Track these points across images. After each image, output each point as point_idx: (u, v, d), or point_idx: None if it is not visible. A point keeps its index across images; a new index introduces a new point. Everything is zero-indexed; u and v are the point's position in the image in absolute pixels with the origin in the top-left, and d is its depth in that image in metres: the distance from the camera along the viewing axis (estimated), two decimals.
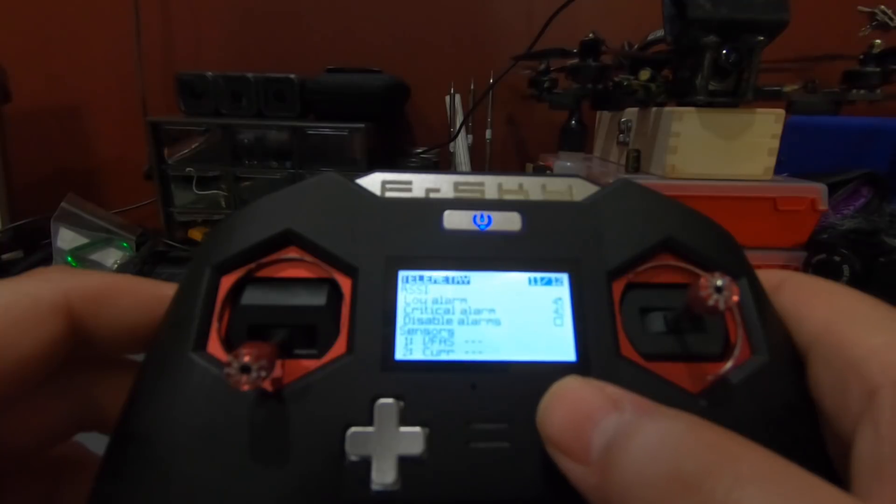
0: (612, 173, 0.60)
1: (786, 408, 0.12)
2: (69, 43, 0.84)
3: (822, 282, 0.13)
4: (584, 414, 0.10)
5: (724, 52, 0.47)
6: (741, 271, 0.14)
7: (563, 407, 0.11)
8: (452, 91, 0.83)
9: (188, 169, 0.71)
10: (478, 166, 0.86)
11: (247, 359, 0.10)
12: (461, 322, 0.13)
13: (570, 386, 0.11)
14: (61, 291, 0.13)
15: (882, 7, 0.58)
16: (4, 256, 0.63)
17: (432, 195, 0.14)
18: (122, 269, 0.62)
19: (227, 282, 0.13)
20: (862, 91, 0.56)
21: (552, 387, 0.11)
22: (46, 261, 0.62)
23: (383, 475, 0.11)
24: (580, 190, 0.15)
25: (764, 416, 0.12)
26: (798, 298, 0.13)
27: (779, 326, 0.13)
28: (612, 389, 0.11)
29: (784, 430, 0.12)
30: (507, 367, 0.12)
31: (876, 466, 0.09)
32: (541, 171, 0.74)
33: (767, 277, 0.14)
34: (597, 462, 0.10)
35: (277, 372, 0.12)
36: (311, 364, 0.12)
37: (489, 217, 0.14)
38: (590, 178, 0.15)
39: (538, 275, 0.13)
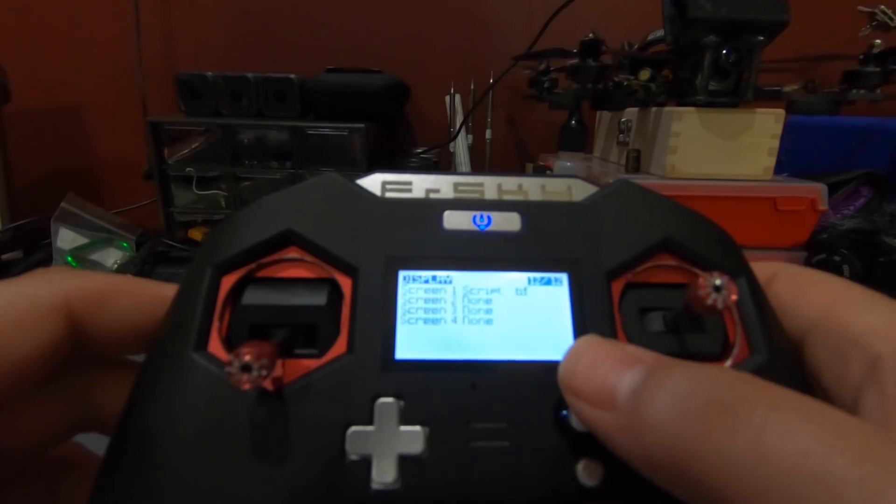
0: (612, 173, 0.60)
1: None
2: (69, 43, 0.84)
3: (815, 271, 0.14)
4: (607, 366, 0.11)
5: (724, 52, 0.47)
6: (739, 271, 0.14)
7: (585, 360, 0.11)
8: (452, 91, 0.83)
9: (188, 169, 0.71)
10: (478, 166, 0.86)
11: (248, 358, 0.10)
12: (461, 321, 0.13)
13: (591, 341, 0.11)
14: (61, 292, 0.13)
15: (882, 7, 0.58)
16: (4, 256, 0.63)
17: (432, 195, 0.14)
18: (122, 269, 0.62)
19: (227, 282, 0.13)
20: (862, 91, 0.56)
21: (575, 342, 0.12)
22: (46, 261, 0.62)
23: (383, 474, 0.11)
24: (579, 190, 0.15)
25: None
26: (793, 287, 0.14)
27: (777, 325, 0.13)
28: (631, 347, 0.11)
29: None
30: (507, 367, 0.12)
31: (882, 423, 0.10)
32: (541, 171, 0.74)
33: (761, 269, 0.14)
34: (625, 405, 0.10)
35: (278, 371, 0.12)
36: (311, 363, 0.12)
37: (489, 217, 0.14)
38: (589, 179, 0.15)
39: (538, 275, 0.13)
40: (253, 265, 0.13)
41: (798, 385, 0.12)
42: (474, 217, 0.14)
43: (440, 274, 0.13)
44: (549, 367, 0.12)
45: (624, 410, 0.10)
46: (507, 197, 0.15)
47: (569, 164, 0.66)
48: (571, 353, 0.11)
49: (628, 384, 0.10)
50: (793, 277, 0.14)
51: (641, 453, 0.09)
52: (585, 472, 0.12)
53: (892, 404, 0.10)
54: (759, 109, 0.49)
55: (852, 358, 0.11)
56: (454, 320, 0.13)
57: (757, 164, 0.50)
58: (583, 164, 0.67)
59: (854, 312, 0.12)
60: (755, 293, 0.13)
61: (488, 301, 0.13)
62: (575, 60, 0.60)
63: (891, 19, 0.58)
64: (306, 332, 0.13)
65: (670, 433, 0.09)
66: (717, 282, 0.11)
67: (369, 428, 0.12)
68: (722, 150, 0.50)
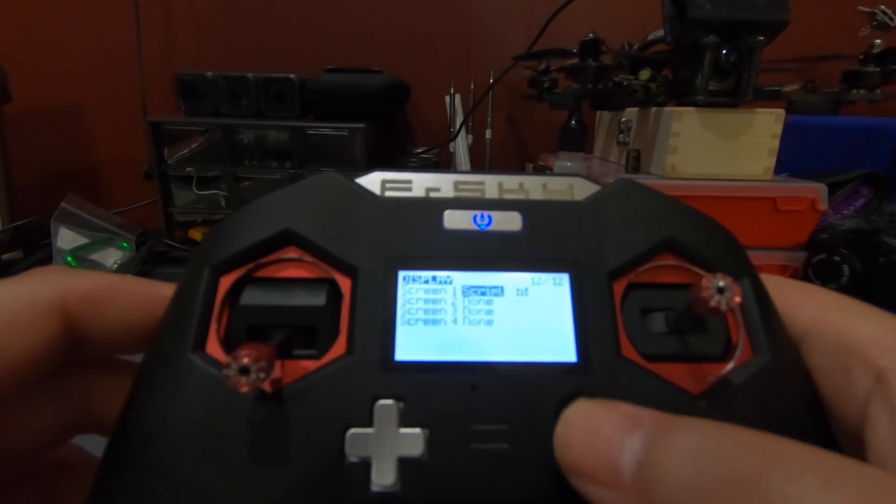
0: (612, 173, 0.60)
1: (789, 407, 0.12)
2: (69, 43, 0.83)
3: (802, 282, 0.14)
4: (604, 436, 0.10)
5: (724, 52, 0.47)
6: (743, 272, 0.14)
7: (580, 433, 0.10)
8: (452, 91, 0.83)
9: (188, 169, 0.71)
10: (478, 166, 0.86)
11: (246, 360, 0.10)
12: (461, 322, 0.13)
13: (582, 410, 0.11)
14: (58, 292, 0.12)
15: (882, 7, 0.58)
16: (4, 256, 0.63)
17: (432, 194, 0.14)
18: (122, 269, 0.62)
19: (226, 282, 0.13)
20: (862, 91, 0.56)
21: (563, 415, 0.11)
22: (46, 261, 0.62)
23: (383, 476, 0.11)
24: (581, 189, 0.15)
25: (766, 417, 0.12)
26: (783, 297, 0.13)
27: (781, 327, 0.13)
28: (625, 407, 0.10)
29: (789, 429, 0.12)
30: (508, 368, 0.12)
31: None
32: (541, 171, 0.74)
33: None
34: (632, 483, 0.09)
35: (277, 373, 0.12)
36: (310, 365, 0.12)
37: (489, 217, 0.14)
38: (591, 178, 0.15)
39: (539, 275, 0.13)
40: (251, 265, 0.13)
41: (802, 388, 0.12)
42: (475, 216, 0.14)
43: (440, 274, 0.13)
44: (550, 369, 0.12)
45: (632, 488, 0.09)
46: (508, 196, 0.14)
47: (569, 164, 0.66)
48: (564, 424, 0.11)
49: (631, 457, 0.09)
50: (781, 287, 0.14)
51: None
52: None
53: None
54: (759, 109, 0.49)
55: (854, 368, 0.11)
56: (454, 321, 0.13)
57: (757, 164, 0.50)
58: (583, 164, 0.67)
59: (849, 321, 0.12)
60: (758, 294, 0.13)
61: (489, 302, 0.13)
62: (575, 60, 0.60)
63: (891, 19, 0.58)
64: (305, 332, 0.13)
65: None
66: (721, 283, 0.11)
67: (369, 430, 0.11)
68: (722, 150, 0.50)
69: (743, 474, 0.08)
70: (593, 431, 0.10)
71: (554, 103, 0.66)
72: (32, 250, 0.65)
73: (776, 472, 0.08)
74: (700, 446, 0.09)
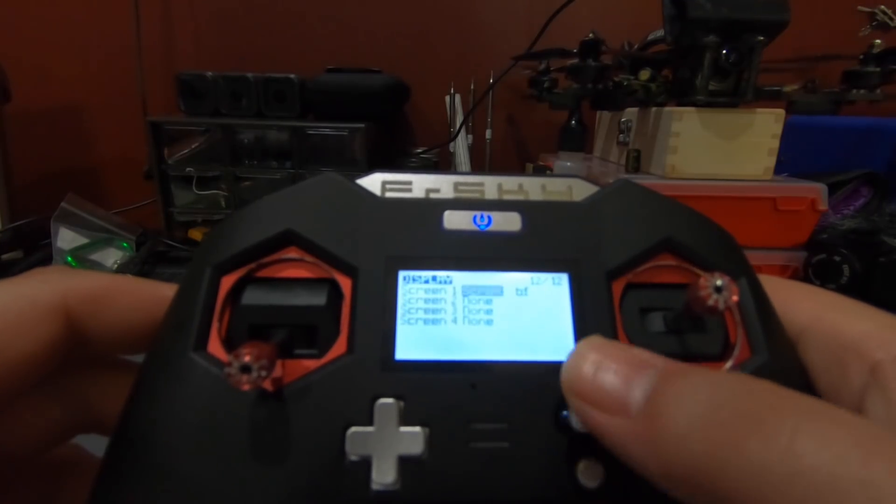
0: (612, 173, 0.60)
1: None
2: (69, 43, 0.84)
3: (798, 282, 0.14)
4: (615, 370, 0.10)
5: (724, 52, 0.47)
6: (741, 271, 0.14)
7: (591, 360, 0.11)
8: (452, 91, 0.83)
9: (188, 169, 0.71)
10: (478, 166, 0.86)
11: (247, 359, 0.10)
12: (461, 322, 0.13)
13: (597, 342, 0.11)
14: (59, 292, 0.12)
15: (882, 7, 0.58)
16: (4, 256, 0.63)
17: (432, 195, 0.14)
18: (122, 269, 0.62)
19: (227, 282, 0.13)
20: (862, 91, 0.56)
21: (578, 344, 0.11)
22: (46, 261, 0.62)
23: (383, 475, 0.11)
24: (580, 190, 0.15)
25: None
26: (779, 297, 0.14)
27: (778, 326, 0.13)
28: (638, 350, 0.11)
29: None
30: (507, 367, 0.12)
31: (891, 429, 0.10)
32: (541, 171, 0.74)
33: None
34: (640, 412, 0.09)
35: (278, 372, 0.12)
36: (311, 364, 0.12)
37: (489, 217, 0.14)
38: (590, 179, 0.15)
39: (538, 275, 0.13)
40: (252, 265, 0.13)
41: (801, 386, 0.12)
42: (475, 217, 0.14)
43: (440, 274, 0.13)
44: (550, 368, 0.12)
45: (639, 418, 0.09)
46: (507, 197, 0.15)
47: (569, 164, 0.66)
48: (575, 355, 0.11)
49: (641, 389, 0.10)
50: (777, 287, 0.14)
51: (661, 464, 0.09)
52: (586, 473, 0.12)
53: None
54: (759, 109, 0.49)
55: (850, 363, 0.11)
56: (454, 321, 0.13)
57: (757, 164, 0.50)
58: (583, 164, 0.67)
59: (846, 319, 0.12)
60: (756, 294, 0.13)
61: (488, 301, 0.13)
62: (575, 60, 0.60)
63: (891, 19, 0.58)
64: (306, 332, 0.13)
65: (695, 445, 0.08)
66: (718, 282, 0.11)
67: (369, 428, 0.12)
68: (722, 150, 0.50)
69: (754, 410, 0.08)
70: (604, 362, 0.10)
71: (554, 103, 0.66)
72: (32, 250, 0.65)
73: (787, 411, 0.08)
74: (714, 383, 0.09)
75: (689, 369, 0.10)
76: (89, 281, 0.13)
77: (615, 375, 0.10)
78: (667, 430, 0.09)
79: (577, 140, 0.69)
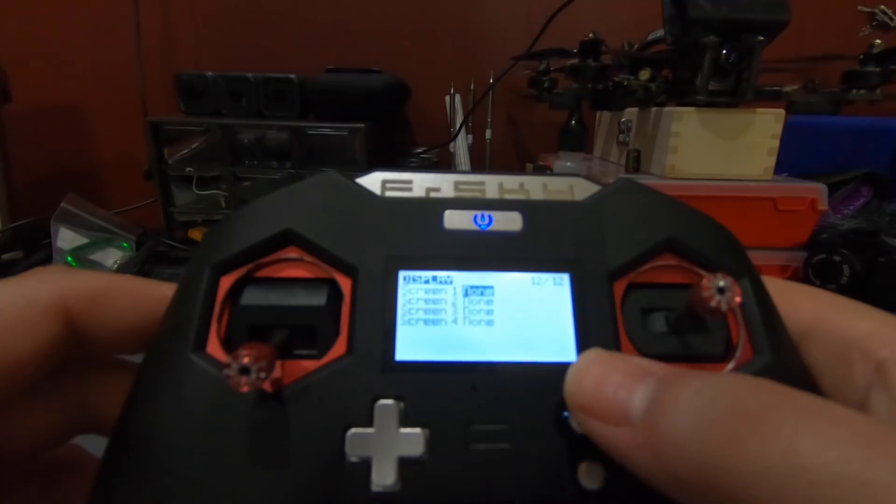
0: (612, 173, 0.60)
1: None
2: (69, 43, 0.83)
3: (800, 284, 0.14)
4: (615, 381, 0.10)
5: (724, 52, 0.47)
6: (743, 272, 0.14)
7: (592, 376, 0.11)
8: (452, 91, 0.83)
9: (188, 169, 0.71)
10: (478, 166, 0.86)
11: (246, 360, 0.10)
12: (462, 322, 0.13)
13: (595, 356, 0.11)
14: (58, 292, 0.12)
15: (882, 7, 0.58)
16: (4, 256, 0.63)
17: (433, 195, 0.14)
18: (122, 269, 0.62)
19: (226, 282, 0.13)
20: (862, 91, 0.56)
21: (579, 358, 0.11)
22: (46, 261, 0.62)
23: (383, 476, 0.11)
24: (581, 189, 0.15)
25: None
26: (782, 298, 0.14)
27: (781, 326, 0.13)
28: (637, 359, 0.11)
29: None
30: (508, 368, 0.12)
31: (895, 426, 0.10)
32: (541, 171, 0.74)
33: None
34: (641, 420, 0.09)
35: (277, 373, 0.12)
36: (310, 365, 0.12)
37: (490, 217, 0.14)
38: (591, 178, 0.15)
39: (539, 275, 0.13)
40: (252, 265, 0.13)
41: (805, 386, 0.12)
42: (475, 216, 0.14)
43: (440, 274, 0.13)
44: (551, 369, 0.12)
45: (640, 427, 0.09)
46: (508, 196, 0.14)
47: (569, 164, 0.66)
48: (576, 369, 0.11)
49: (641, 398, 0.10)
50: (780, 287, 0.14)
51: (664, 470, 0.09)
52: (587, 475, 0.11)
53: None
54: (759, 109, 0.49)
55: (854, 362, 0.11)
56: (454, 321, 0.13)
57: (757, 164, 0.50)
58: (583, 164, 0.67)
59: (849, 318, 0.12)
60: (759, 294, 0.13)
61: (489, 301, 0.13)
62: (575, 60, 0.60)
63: (891, 19, 0.58)
64: (306, 332, 0.13)
65: (695, 448, 0.08)
66: (721, 283, 0.11)
67: (369, 430, 0.11)
68: (722, 150, 0.50)
69: (753, 410, 0.08)
70: (605, 375, 0.10)
71: (554, 103, 0.66)
72: (32, 250, 0.65)
73: (787, 410, 0.08)
74: (713, 388, 0.09)
75: (687, 374, 0.10)
76: (88, 280, 0.13)
77: (616, 387, 0.10)
78: (668, 437, 0.09)
79: (577, 140, 0.68)
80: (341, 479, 0.11)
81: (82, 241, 0.63)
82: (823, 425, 0.08)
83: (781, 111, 0.49)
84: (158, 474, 0.11)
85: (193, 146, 0.72)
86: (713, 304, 0.11)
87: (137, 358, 0.13)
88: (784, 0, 0.45)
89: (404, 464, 0.11)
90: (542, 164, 0.76)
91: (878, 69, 0.56)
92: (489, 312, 0.13)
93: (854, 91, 0.56)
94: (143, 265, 0.64)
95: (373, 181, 0.14)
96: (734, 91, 0.49)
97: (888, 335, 0.11)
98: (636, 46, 0.65)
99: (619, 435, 0.10)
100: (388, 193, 0.14)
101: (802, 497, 0.07)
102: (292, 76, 0.70)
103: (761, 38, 0.46)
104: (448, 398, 0.12)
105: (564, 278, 0.13)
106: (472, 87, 0.84)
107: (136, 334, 0.14)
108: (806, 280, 0.52)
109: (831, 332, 0.12)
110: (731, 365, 0.12)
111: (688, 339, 0.13)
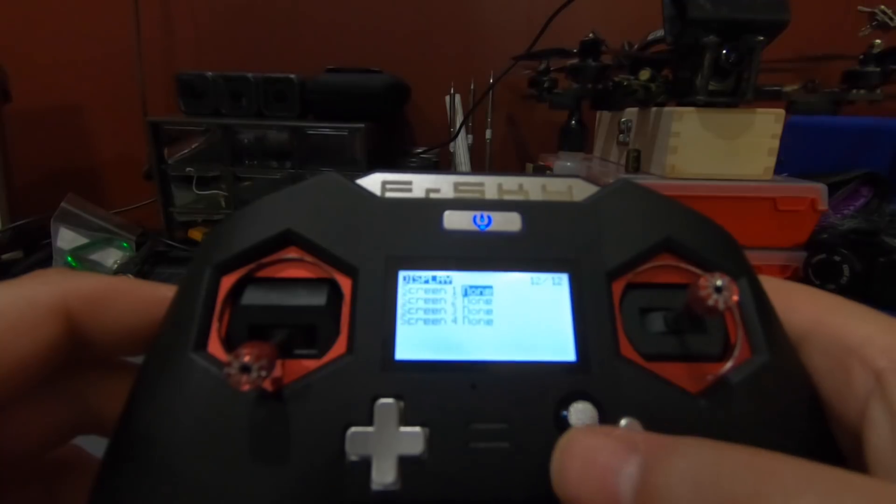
0: (612, 173, 0.60)
1: (788, 406, 0.12)
2: (69, 43, 0.84)
3: (799, 284, 0.14)
4: (600, 464, 0.10)
5: (724, 52, 0.47)
6: (741, 271, 0.14)
7: (576, 462, 0.10)
8: (452, 91, 0.83)
9: (188, 169, 0.71)
10: (478, 166, 0.86)
11: (247, 359, 0.10)
12: (461, 322, 0.13)
13: (576, 438, 0.11)
14: (59, 294, 0.12)
15: (882, 7, 0.58)
16: (4, 256, 0.63)
17: (432, 195, 0.14)
18: (122, 269, 0.62)
19: (227, 282, 0.13)
20: (862, 91, 0.56)
21: (558, 444, 0.11)
22: (46, 261, 0.62)
23: (383, 475, 0.11)
24: (580, 190, 0.15)
25: (765, 416, 0.12)
26: (780, 299, 0.13)
27: (779, 326, 0.13)
28: (618, 432, 0.11)
29: (788, 428, 0.12)
30: (507, 367, 0.12)
31: (894, 442, 0.10)
32: (541, 171, 0.74)
33: None
34: None
35: (277, 372, 0.12)
36: (311, 364, 0.12)
37: (489, 217, 0.14)
38: (590, 179, 0.15)
39: (538, 275, 0.13)
40: (252, 265, 0.13)
41: (801, 387, 0.12)
42: (474, 217, 0.14)
43: (440, 274, 0.13)
44: (550, 368, 0.12)
45: None
46: (507, 197, 0.15)
47: (569, 164, 0.66)
48: (558, 457, 0.11)
49: (629, 483, 0.09)
50: (778, 288, 0.14)
51: None
52: None
53: None
54: (759, 109, 0.49)
55: (854, 369, 0.11)
56: (454, 321, 0.13)
57: (757, 164, 0.50)
58: (583, 164, 0.67)
59: (848, 322, 0.12)
60: (756, 294, 0.13)
61: (488, 301, 0.13)
62: (575, 60, 0.61)
63: (891, 19, 0.58)
64: (306, 332, 0.13)
65: None
66: (719, 282, 0.11)
67: (369, 429, 0.12)
68: (722, 150, 0.50)
69: (741, 495, 0.08)
70: (589, 460, 0.10)
71: (554, 103, 0.66)
72: (32, 250, 0.65)
73: (775, 492, 0.08)
74: (697, 469, 0.09)
75: (671, 448, 0.09)
76: (89, 282, 0.13)
77: (602, 471, 0.10)
78: None
79: (577, 140, 0.69)
80: (341, 477, 0.11)
81: (82, 241, 0.63)
82: (811, 501, 0.08)
83: (781, 111, 0.49)
84: (159, 473, 0.11)
85: (193, 146, 0.72)
86: (711, 302, 0.11)
87: (138, 359, 0.14)
88: (784, 0, 0.45)
89: (404, 462, 0.11)
90: (542, 164, 0.76)
91: (878, 69, 0.56)
92: (488, 312, 0.13)
93: (854, 91, 0.57)
94: (143, 265, 0.64)
95: (373, 182, 0.14)
96: (734, 91, 0.49)
97: (887, 342, 0.11)
98: (636, 46, 0.65)
99: None
100: (388, 194, 0.14)
101: None
102: (292, 76, 0.70)
103: (761, 38, 0.46)
104: (448, 397, 0.12)
105: (563, 278, 0.13)
106: (472, 87, 0.84)
107: (136, 336, 0.14)
108: (806, 280, 0.52)
109: (830, 336, 0.12)
110: (728, 364, 0.12)
111: (686, 338, 0.13)
